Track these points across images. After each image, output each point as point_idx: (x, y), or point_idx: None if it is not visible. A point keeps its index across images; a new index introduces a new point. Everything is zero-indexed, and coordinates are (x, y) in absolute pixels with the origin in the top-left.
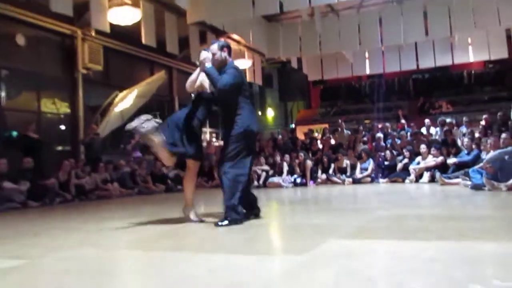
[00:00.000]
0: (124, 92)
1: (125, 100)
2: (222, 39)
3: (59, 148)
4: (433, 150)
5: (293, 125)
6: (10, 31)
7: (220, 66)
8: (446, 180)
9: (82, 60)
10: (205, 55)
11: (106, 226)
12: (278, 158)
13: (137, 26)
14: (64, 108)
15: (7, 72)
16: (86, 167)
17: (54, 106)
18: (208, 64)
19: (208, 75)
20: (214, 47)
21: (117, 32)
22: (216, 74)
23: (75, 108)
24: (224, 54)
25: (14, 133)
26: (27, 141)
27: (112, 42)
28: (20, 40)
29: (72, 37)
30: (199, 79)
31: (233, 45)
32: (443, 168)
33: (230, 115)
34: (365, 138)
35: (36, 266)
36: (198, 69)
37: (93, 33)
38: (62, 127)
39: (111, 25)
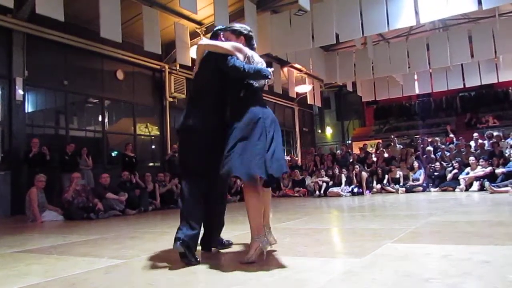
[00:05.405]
0: None
1: None
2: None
3: (151, 164)
4: (481, 161)
5: (349, 141)
6: (112, 68)
7: None
8: (495, 189)
9: (169, 90)
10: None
11: None
12: (336, 170)
13: None
14: (154, 130)
15: (110, 102)
16: (174, 179)
17: (146, 129)
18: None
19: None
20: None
21: None
22: None
23: (163, 131)
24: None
25: (115, 152)
26: (125, 159)
27: (193, 74)
28: (120, 75)
29: (161, 71)
30: None
31: (295, 73)
32: (491, 177)
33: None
34: (418, 152)
35: (131, 265)
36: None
37: (177, 67)
38: (153, 146)
39: (192, 59)
